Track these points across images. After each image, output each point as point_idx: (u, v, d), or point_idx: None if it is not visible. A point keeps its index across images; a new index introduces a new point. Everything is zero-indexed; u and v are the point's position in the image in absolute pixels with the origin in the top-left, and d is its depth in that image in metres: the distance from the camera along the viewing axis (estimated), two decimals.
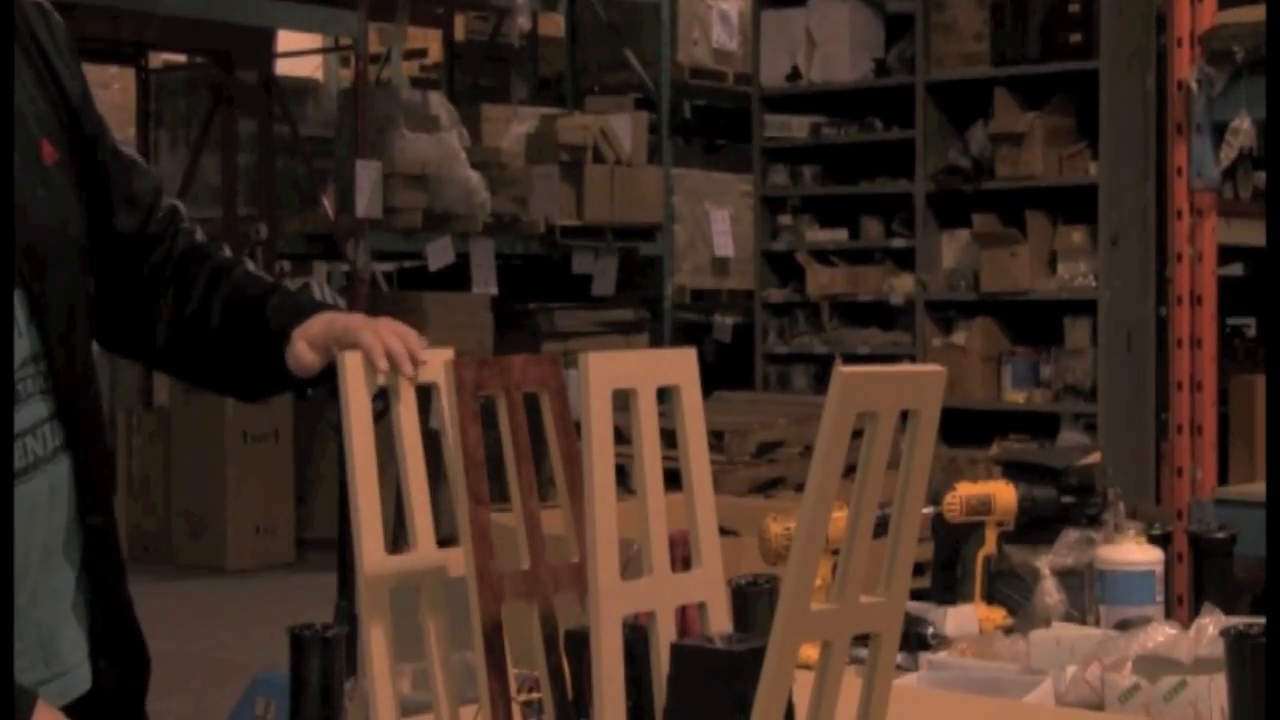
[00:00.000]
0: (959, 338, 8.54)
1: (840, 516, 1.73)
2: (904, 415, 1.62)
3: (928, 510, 2.85)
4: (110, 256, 2.09)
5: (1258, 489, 5.11)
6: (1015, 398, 8.34)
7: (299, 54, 11.18)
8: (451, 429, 1.83)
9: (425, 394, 1.96)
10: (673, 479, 1.85)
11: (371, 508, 1.87)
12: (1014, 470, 2.97)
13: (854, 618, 1.63)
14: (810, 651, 1.62)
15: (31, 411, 1.92)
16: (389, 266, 10.77)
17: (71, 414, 1.96)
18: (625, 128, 9.94)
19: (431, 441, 1.88)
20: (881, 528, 1.64)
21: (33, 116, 1.96)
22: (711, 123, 11.48)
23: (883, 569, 1.68)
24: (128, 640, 2.07)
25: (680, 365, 1.84)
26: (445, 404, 1.84)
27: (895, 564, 1.67)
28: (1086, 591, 2.76)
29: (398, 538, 1.91)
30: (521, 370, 1.85)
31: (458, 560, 1.87)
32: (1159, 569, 2.70)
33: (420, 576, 1.90)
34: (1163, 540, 2.76)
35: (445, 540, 1.93)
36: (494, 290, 9.23)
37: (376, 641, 1.85)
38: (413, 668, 2.08)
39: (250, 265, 2.14)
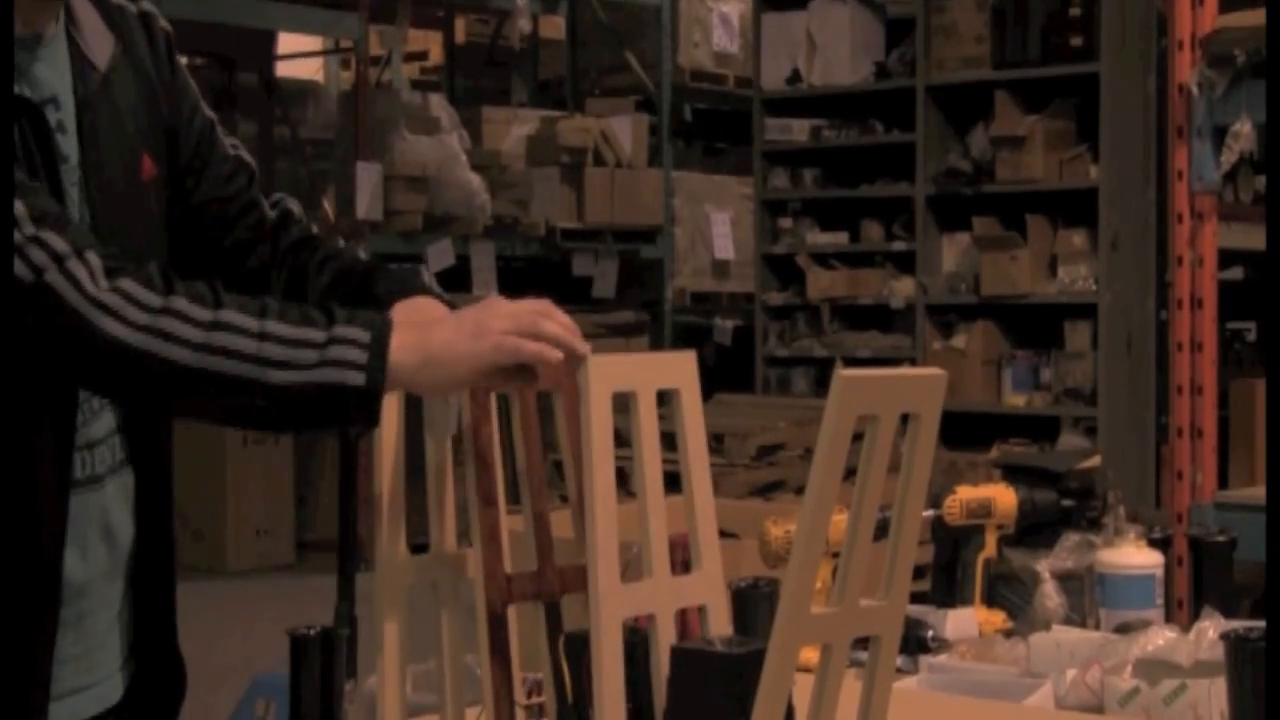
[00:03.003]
0: (959, 341, 8.54)
1: (840, 519, 1.73)
2: (904, 418, 1.63)
3: (928, 513, 2.85)
4: (216, 251, 2.11)
5: (1258, 493, 5.11)
6: (1015, 401, 8.34)
7: (300, 56, 11.18)
8: (465, 429, 1.83)
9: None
10: (673, 482, 1.85)
11: (396, 505, 1.87)
12: (1014, 473, 2.97)
13: (854, 621, 1.63)
14: (810, 654, 1.62)
15: (104, 423, 1.96)
16: None
17: (136, 428, 1.99)
18: (626, 130, 9.94)
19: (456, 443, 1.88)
20: (882, 531, 1.64)
21: (135, 131, 1.98)
22: (712, 125, 11.47)
23: (883, 572, 1.68)
24: (166, 654, 2.08)
25: (680, 368, 1.84)
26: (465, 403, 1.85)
27: (895, 567, 1.67)
28: (1086, 595, 2.76)
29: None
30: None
31: (474, 560, 1.87)
32: (1159, 572, 2.70)
33: (437, 574, 1.90)
34: (1163, 544, 2.76)
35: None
36: (494, 292, 9.23)
37: (389, 636, 1.85)
38: (414, 669, 2.08)
39: (362, 252, 2.15)
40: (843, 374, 1.56)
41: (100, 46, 1.96)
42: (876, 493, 1.60)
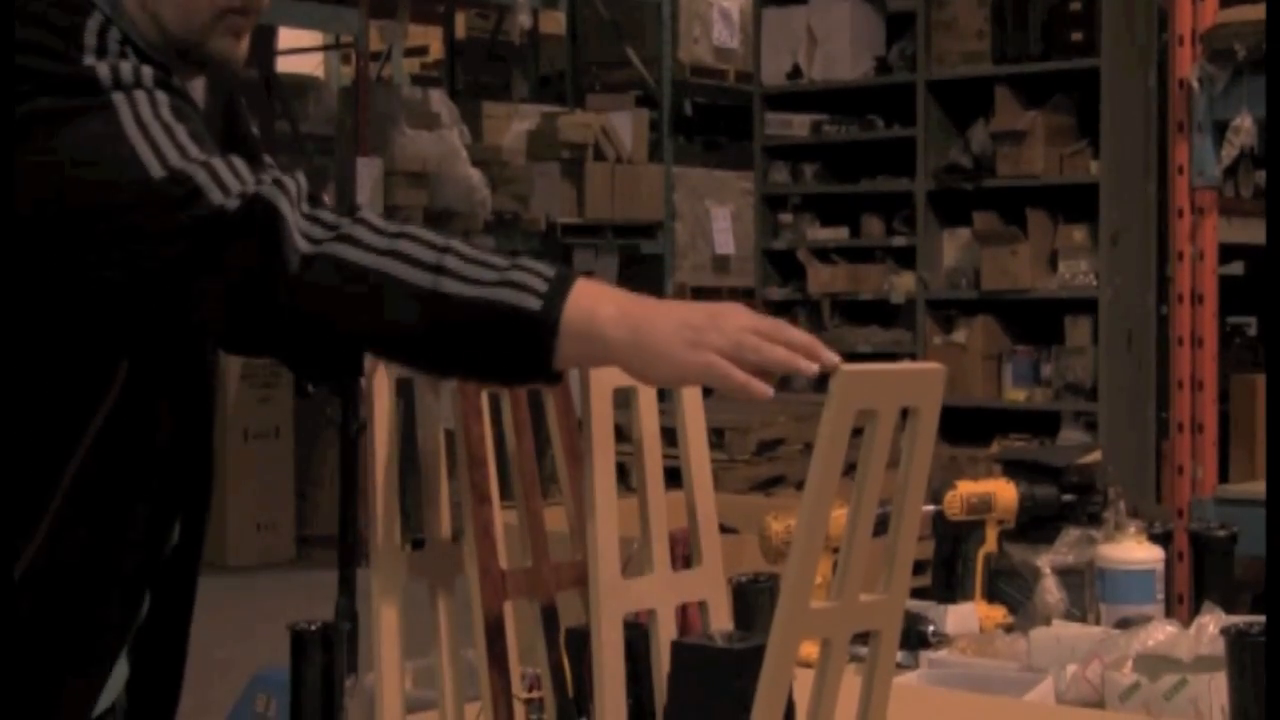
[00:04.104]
0: (960, 336, 8.54)
1: (841, 515, 1.73)
2: (904, 413, 1.63)
3: (928, 508, 2.85)
4: None
5: (1258, 487, 5.11)
6: (1016, 396, 8.34)
7: (300, 51, 11.17)
8: (456, 426, 1.83)
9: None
10: (673, 477, 1.86)
11: (390, 501, 1.87)
12: (1014, 468, 2.97)
13: (854, 616, 1.63)
14: (811, 649, 1.62)
15: None
16: None
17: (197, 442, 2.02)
18: (626, 125, 9.93)
19: (451, 438, 1.88)
20: (882, 526, 1.64)
21: None
22: (712, 120, 11.47)
23: (883, 567, 1.68)
24: (173, 648, 2.09)
25: None
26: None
27: (895, 562, 1.67)
28: (1087, 590, 2.77)
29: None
30: None
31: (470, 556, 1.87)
32: (1159, 567, 2.70)
33: (433, 569, 1.90)
34: (1163, 539, 2.76)
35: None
36: None
37: (387, 631, 1.85)
38: (414, 665, 2.08)
39: None
40: (842, 369, 1.56)
41: (197, 85, 1.99)
42: (876, 487, 1.61)
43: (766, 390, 1.63)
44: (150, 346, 1.87)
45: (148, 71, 1.79)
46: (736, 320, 1.65)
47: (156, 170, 1.72)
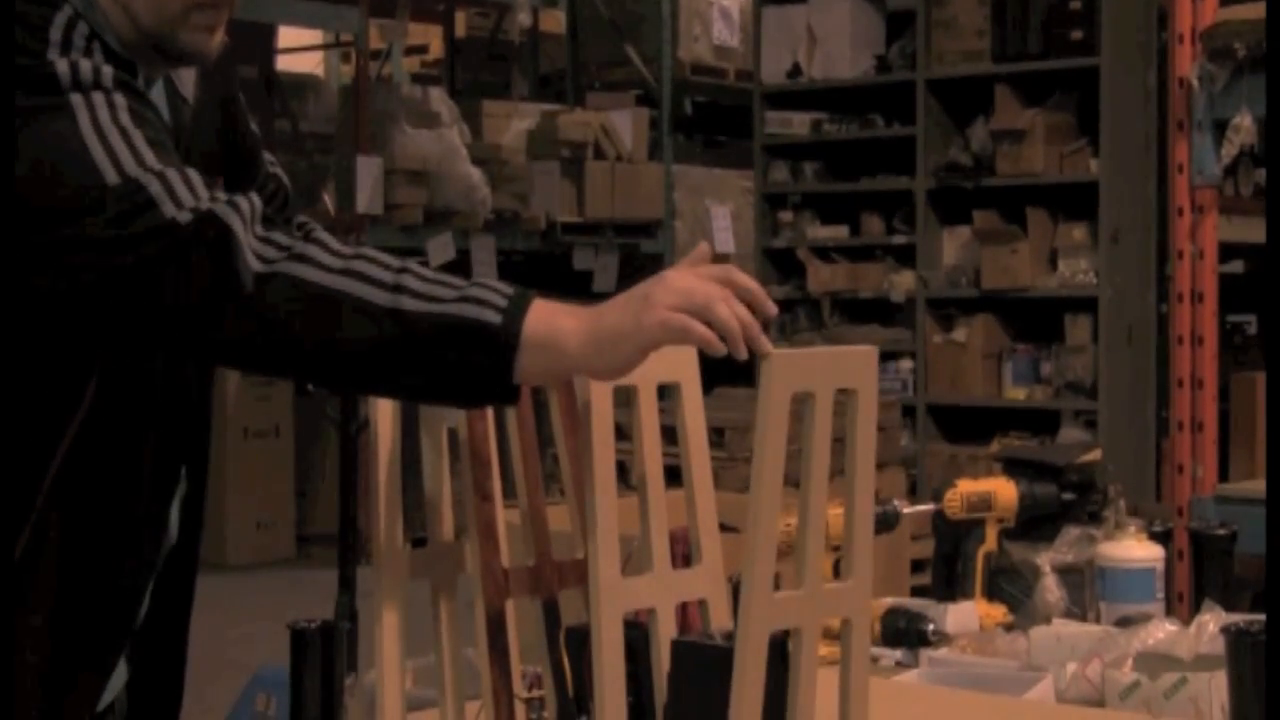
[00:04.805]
0: (960, 334, 8.54)
1: (838, 514, 1.74)
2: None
3: (928, 507, 2.86)
4: None
5: (1258, 486, 5.11)
6: (1016, 394, 8.34)
7: (300, 50, 11.17)
8: (460, 424, 1.83)
9: None
10: (673, 475, 1.86)
11: (392, 499, 1.87)
12: (1015, 467, 2.97)
13: (819, 603, 1.64)
14: (826, 650, 1.63)
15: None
16: None
17: (190, 451, 2.02)
18: (626, 124, 9.93)
19: (454, 437, 1.88)
20: (879, 523, 1.64)
21: (212, 156, 1.99)
22: (712, 119, 11.47)
23: (844, 553, 1.69)
24: (173, 646, 2.09)
25: (681, 362, 1.84)
26: None
27: (854, 548, 1.68)
28: (1087, 588, 2.77)
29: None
30: None
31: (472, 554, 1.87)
32: (1159, 566, 2.70)
33: (435, 568, 1.90)
34: (1163, 537, 2.76)
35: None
36: None
37: (388, 630, 1.85)
38: (414, 664, 2.08)
39: None
40: (772, 353, 1.59)
41: (188, 79, 1.99)
42: (823, 468, 1.64)
43: (722, 348, 1.65)
44: (118, 349, 1.85)
45: (108, 71, 1.77)
46: (680, 280, 1.68)
47: (111, 176, 1.71)
